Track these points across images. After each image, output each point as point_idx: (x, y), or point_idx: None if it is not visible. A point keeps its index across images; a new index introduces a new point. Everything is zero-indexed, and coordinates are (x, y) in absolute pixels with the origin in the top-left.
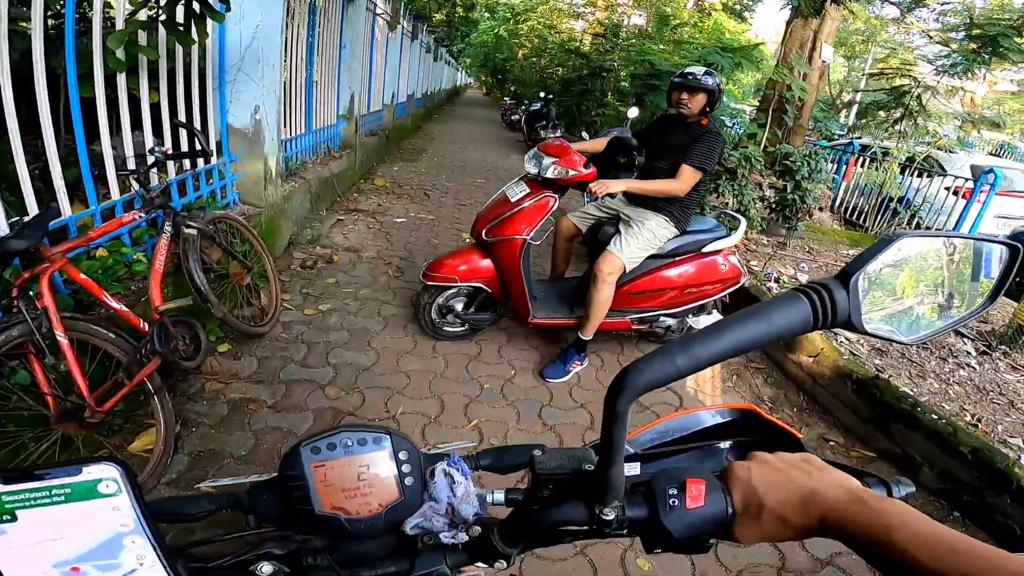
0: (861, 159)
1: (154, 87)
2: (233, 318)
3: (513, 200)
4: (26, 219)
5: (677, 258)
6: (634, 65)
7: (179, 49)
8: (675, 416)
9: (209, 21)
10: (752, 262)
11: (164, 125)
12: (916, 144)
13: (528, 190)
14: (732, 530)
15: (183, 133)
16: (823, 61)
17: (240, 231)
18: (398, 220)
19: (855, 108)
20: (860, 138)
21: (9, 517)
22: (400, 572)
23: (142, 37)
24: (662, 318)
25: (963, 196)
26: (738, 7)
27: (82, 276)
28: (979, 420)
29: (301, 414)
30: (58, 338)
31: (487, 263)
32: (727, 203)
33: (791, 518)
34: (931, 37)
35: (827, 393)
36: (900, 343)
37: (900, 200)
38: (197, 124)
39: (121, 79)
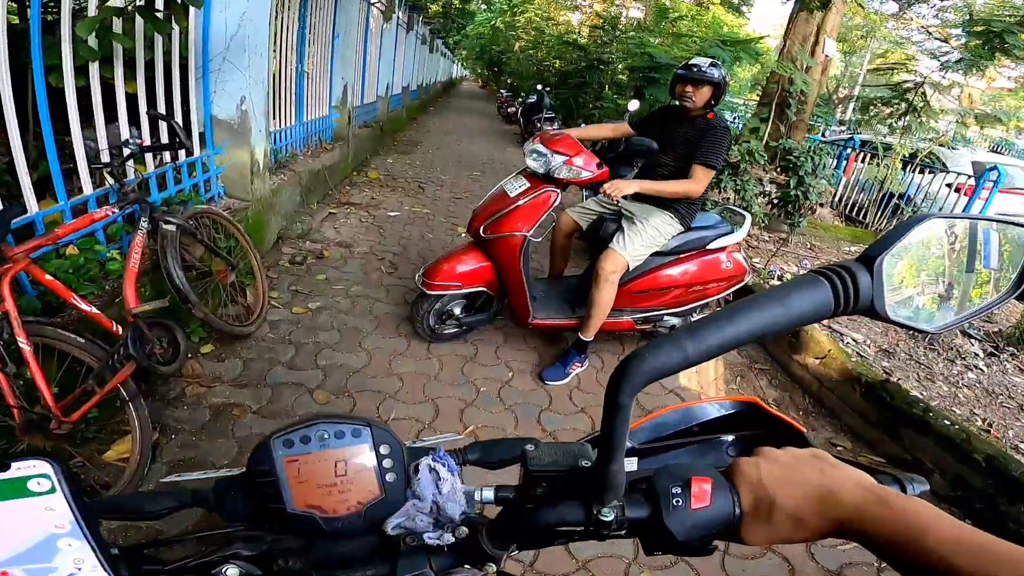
0: (861, 155)
1: (133, 77)
2: (216, 318)
3: (512, 195)
4: None
5: (681, 255)
6: (632, 58)
7: (159, 37)
8: (675, 408)
9: (191, 8)
10: (754, 259)
11: (143, 116)
12: (919, 140)
13: (528, 185)
14: (740, 532)
15: (164, 125)
16: (826, 55)
17: (224, 226)
18: (392, 214)
19: (852, 104)
20: (860, 133)
21: None
22: (380, 575)
23: (117, 25)
24: (666, 317)
25: (965, 193)
26: (736, 1)
27: (48, 277)
28: (991, 425)
29: (287, 420)
30: (20, 345)
31: (488, 263)
32: (728, 198)
33: (806, 518)
34: (930, 33)
35: (834, 396)
36: (921, 331)
37: (901, 196)
38: (179, 115)
39: (93, 68)
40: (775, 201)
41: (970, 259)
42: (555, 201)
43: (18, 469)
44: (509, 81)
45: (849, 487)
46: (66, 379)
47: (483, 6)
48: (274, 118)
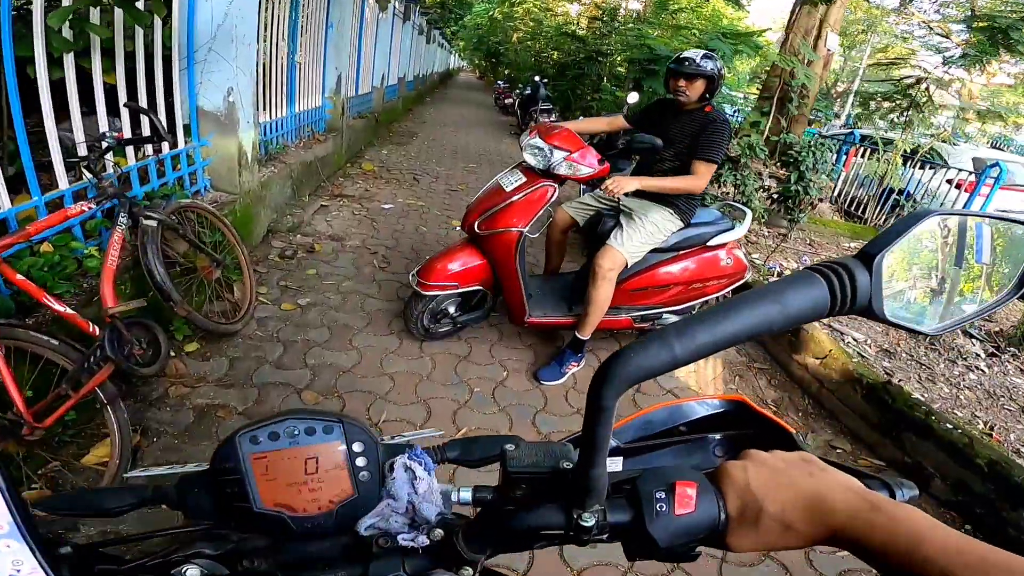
0: (861, 150)
1: (113, 69)
2: (200, 316)
3: (508, 190)
4: None
5: (681, 252)
6: (631, 50)
7: (140, 28)
8: (661, 406)
9: None
10: (754, 255)
11: (123, 109)
12: (920, 136)
13: (524, 179)
14: (726, 538)
15: (145, 117)
16: (828, 50)
17: (210, 220)
18: (385, 206)
19: (851, 98)
20: (860, 128)
21: None
22: None
23: (94, 15)
24: (665, 316)
25: (965, 189)
26: None
27: (18, 276)
28: (992, 428)
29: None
30: None
31: (483, 261)
32: (727, 193)
33: (795, 524)
34: (931, 28)
35: (834, 398)
36: (919, 333)
37: (901, 192)
38: (162, 107)
39: (68, 59)
40: (775, 196)
41: (959, 253)
42: (552, 196)
43: None
44: (507, 72)
45: (839, 492)
46: (41, 382)
47: None
48: (264, 109)
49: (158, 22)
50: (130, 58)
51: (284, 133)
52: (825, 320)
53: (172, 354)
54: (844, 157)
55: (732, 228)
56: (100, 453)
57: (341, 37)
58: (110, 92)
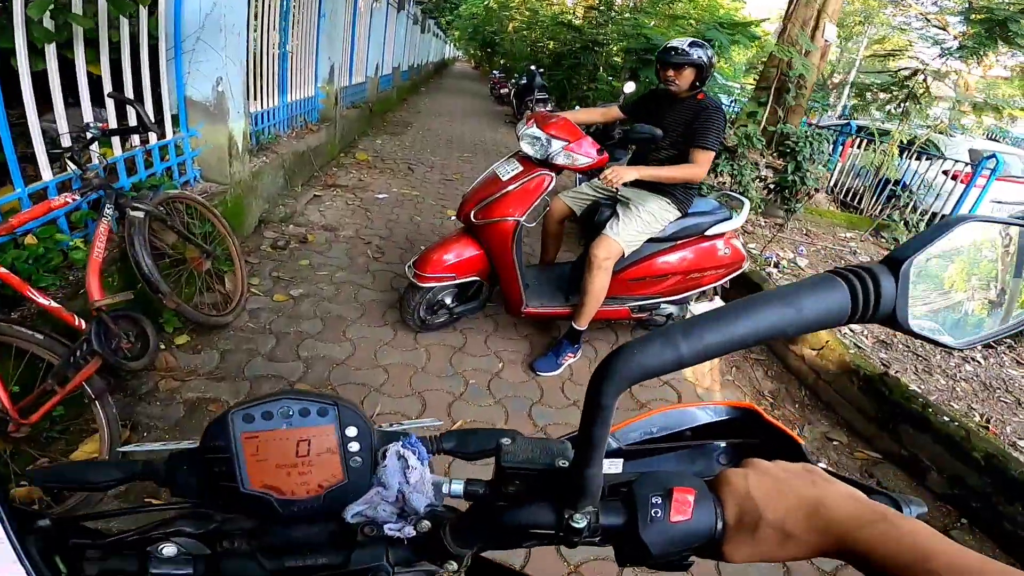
0: (857, 140)
1: (98, 59)
2: (190, 308)
3: (504, 179)
4: None
5: (678, 242)
6: (628, 39)
7: (123, 18)
8: (667, 409)
9: None
10: (750, 244)
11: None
12: (917, 127)
13: (521, 168)
14: (722, 548)
15: (131, 108)
16: (825, 40)
17: (200, 211)
18: (380, 196)
19: (847, 89)
20: (856, 119)
21: None
22: (332, 565)
23: (77, 4)
24: (662, 306)
25: (961, 181)
26: None
27: (2, 269)
28: (988, 420)
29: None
30: None
31: (480, 251)
32: (724, 182)
33: (796, 533)
34: (928, 20)
35: (831, 389)
36: (946, 347)
37: (897, 183)
38: (149, 97)
39: (50, 50)
40: (772, 186)
41: (1019, 265)
42: (549, 185)
43: None
44: (502, 62)
45: (841, 501)
46: (27, 377)
47: None
48: (255, 99)
49: (144, 11)
50: (115, 48)
51: (276, 123)
52: None
53: (162, 347)
54: (840, 148)
55: (730, 218)
56: (89, 449)
57: (334, 27)
58: (96, 83)
